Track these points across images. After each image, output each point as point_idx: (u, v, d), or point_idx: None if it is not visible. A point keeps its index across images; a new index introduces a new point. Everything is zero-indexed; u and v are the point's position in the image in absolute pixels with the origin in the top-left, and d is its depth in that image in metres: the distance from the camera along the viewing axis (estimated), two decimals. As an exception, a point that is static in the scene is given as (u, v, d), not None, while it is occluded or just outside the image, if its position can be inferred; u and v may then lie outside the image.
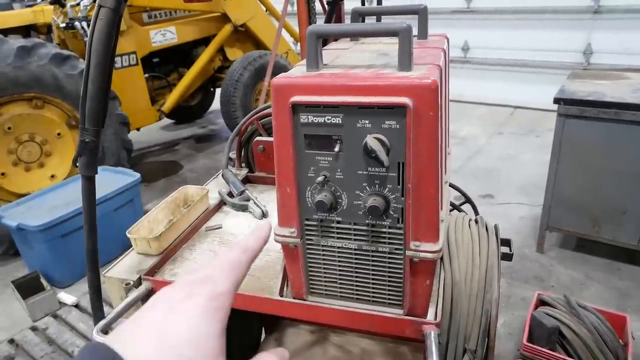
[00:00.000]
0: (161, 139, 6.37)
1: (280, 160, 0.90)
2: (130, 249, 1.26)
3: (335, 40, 1.27)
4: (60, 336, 2.93)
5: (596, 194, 3.04)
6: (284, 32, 5.39)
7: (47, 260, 3.30)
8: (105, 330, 0.99)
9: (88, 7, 4.21)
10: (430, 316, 0.97)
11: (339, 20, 2.40)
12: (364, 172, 0.85)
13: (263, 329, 1.92)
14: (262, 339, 1.90)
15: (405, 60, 0.82)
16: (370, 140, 0.80)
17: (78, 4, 4.14)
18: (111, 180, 3.70)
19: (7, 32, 3.60)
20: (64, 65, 3.63)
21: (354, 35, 1.16)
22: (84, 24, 4.04)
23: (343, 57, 1.00)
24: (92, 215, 1.01)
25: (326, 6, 2.08)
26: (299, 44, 6.45)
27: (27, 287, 3.16)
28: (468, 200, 1.71)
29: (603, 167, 2.94)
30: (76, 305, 3.19)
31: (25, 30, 3.92)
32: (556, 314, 2.23)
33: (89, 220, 1.01)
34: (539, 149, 5.14)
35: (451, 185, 1.57)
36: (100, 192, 3.47)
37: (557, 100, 2.95)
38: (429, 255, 0.87)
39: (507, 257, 1.17)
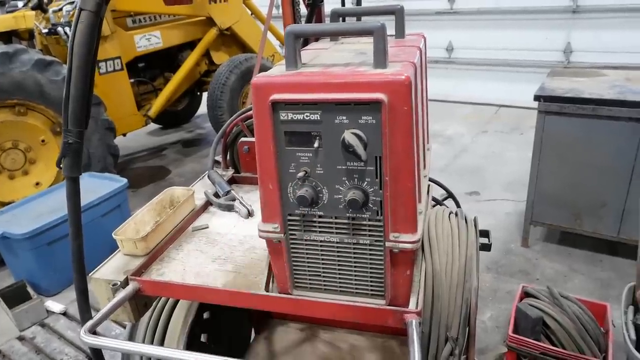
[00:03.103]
0: (148, 144, 6.34)
1: (261, 158, 0.93)
2: (117, 251, 1.27)
3: (316, 40, 1.30)
4: (48, 345, 2.90)
5: (577, 188, 3.11)
6: (270, 35, 5.41)
7: (34, 269, 3.27)
8: (92, 331, 1.00)
9: (70, 13, 4.18)
10: (411, 306, 1.00)
11: (320, 21, 2.43)
12: (343, 167, 0.88)
13: (253, 328, 1.94)
14: (251, 339, 1.92)
15: (380, 58, 0.85)
16: (348, 136, 0.83)
17: (60, 10, 4.12)
18: (98, 186, 3.68)
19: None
20: (47, 71, 3.61)
21: (331, 35, 1.19)
22: (67, 29, 4.02)
23: (322, 56, 1.03)
24: (77, 216, 1.02)
25: (306, 6, 2.12)
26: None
27: (14, 297, 3.12)
28: (450, 195, 1.75)
29: (583, 161, 3.02)
30: (64, 313, 3.16)
31: (7, 36, 3.88)
32: (540, 305, 2.27)
33: (74, 222, 1.02)
34: (523, 146, 5.22)
35: (433, 181, 1.61)
36: (87, 198, 3.46)
37: (537, 98, 3.02)
38: (408, 246, 0.91)
39: (485, 247, 1.20)
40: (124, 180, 3.66)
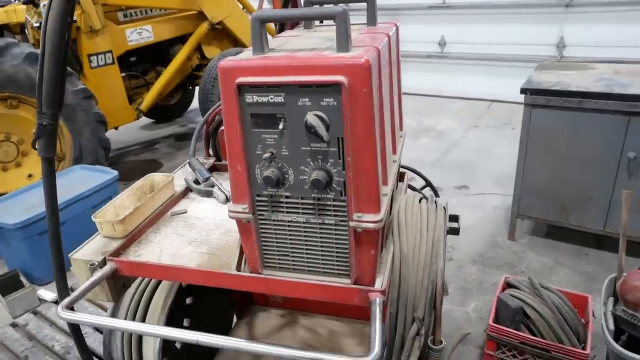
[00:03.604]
0: (141, 138, 6.36)
1: (230, 140, 0.95)
2: (97, 233, 1.30)
3: (292, 28, 1.32)
4: (40, 331, 2.94)
5: (563, 181, 3.13)
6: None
7: (26, 258, 3.30)
8: (70, 307, 1.03)
9: (62, 6, 4.19)
10: (377, 285, 1.03)
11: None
12: (307, 148, 0.91)
13: (235, 314, 1.97)
14: (233, 324, 1.96)
15: (343, 42, 0.88)
16: (310, 117, 0.86)
17: (52, 3, 4.12)
18: (89, 178, 3.70)
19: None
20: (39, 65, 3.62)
21: (294, 19, 1.22)
22: (59, 22, 4.02)
23: (291, 42, 1.06)
24: (52, 195, 1.05)
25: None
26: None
27: (6, 285, 3.15)
28: (428, 184, 1.78)
29: (569, 155, 3.04)
30: (56, 302, 3.19)
31: (-1, 30, 3.91)
32: (520, 295, 2.30)
33: (50, 200, 1.05)
34: (514, 141, 5.20)
35: (411, 170, 1.64)
36: (78, 189, 3.49)
37: (523, 91, 3.04)
38: (371, 225, 0.94)
39: (454, 231, 1.24)
40: (115, 173, 3.69)
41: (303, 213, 0.98)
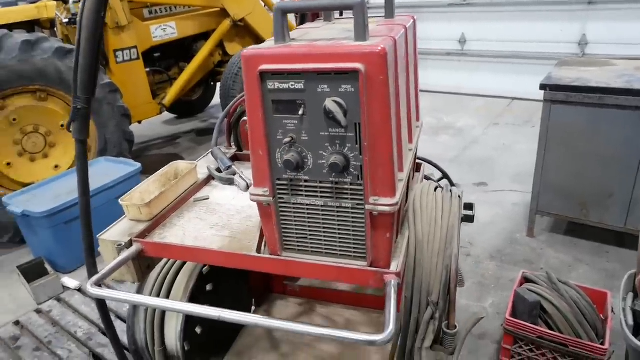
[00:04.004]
0: (163, 133, 6.49)
1: (252, 126, 1.00)
2: (123, 217, 1.37)
3: (312, 20, 1.36)
4: (63, 318, 3.04)
5: (583, 178, 3.11)
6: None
7: (52, 246, 3.42)
8: (98, 284, 1.09)
9: (89, 3, 4.32)
10: (392, 268, 1.06)
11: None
12: (326, 133, 0.95)
13: (253, 301, 2.02)
14: (252, 311, 2.01)
15: (360, 32, 0.91)
16: (329, 103, 0.90)
17: (80, 0, 4.25)
18: (113, 170, 3.81)
19: (12, 27, 3.72)
20: (67, 59, 3.75)
21: (314, 10, 1.26)
22: (86, 19, 4.15)
23: (311, 33, 1.10)
24: (84, 176, 1.12)
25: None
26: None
27: (32, 273, 3.27)
28: (445, 175, 1.80)
29: (589, 151, 3.02)
30: (79, 290, 3.30)
31: (30, 26, 4.04)
32: (538, 290, 2.30)
33: (82, 180, 1.12)
34: (534, 138, 5.13)
35: (428, 162, 1.67)
36: (102, 180, 3.60)
37: (543, 87, 3.02)
38: (387, 209, 0.97)
39: (469, 219, 1.26)
40: (138, 165, 3.78)
41: (321, 196, 1.02)
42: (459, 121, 6.03)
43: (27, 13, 3.95)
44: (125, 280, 1.25)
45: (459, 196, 1.27)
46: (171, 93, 5.06)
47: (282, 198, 1.05)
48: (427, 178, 1.78)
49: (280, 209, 1.07)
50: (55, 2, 4.13)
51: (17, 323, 3.00)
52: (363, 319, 1.88)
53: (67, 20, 4.18)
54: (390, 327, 0.89)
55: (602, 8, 5.65)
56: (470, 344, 2.63)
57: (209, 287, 1.80)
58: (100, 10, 0.99)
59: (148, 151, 5.89)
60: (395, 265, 1.06)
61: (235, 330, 1.85)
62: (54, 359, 2.69)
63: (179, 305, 1.09)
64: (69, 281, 3.34)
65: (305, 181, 1.02)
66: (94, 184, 3.55)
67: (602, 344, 2.14)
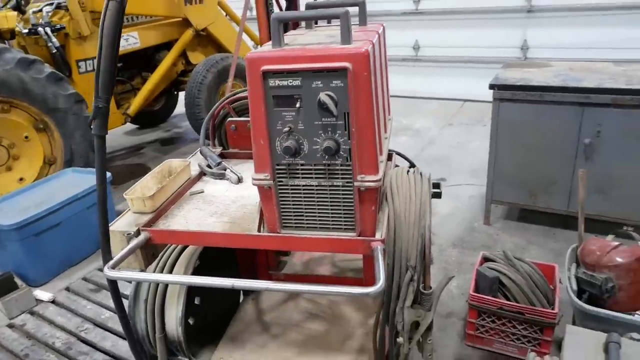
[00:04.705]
0: (126, 144, 6.45)
1: (255, 118, 1.16)
2: (127, 210, 1.48)
3: (294, 28, 1.54)
4: (39, 330, 3.00)
5: (530, 168, 3.43)
6: (245, 36, 5.62)
7: (21, 260, 3.36)
8: (114, 266, 1.21)
9: (50, 13, 4.31)
10: (377, 236, 1.25)
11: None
12: (319, 122, 1.13)
13: (242, 291, 2.16)
14: (241, 300, 2.14)
15: (346, 36, 1.10)
16: (323, 96, 1.08)
17: (40, 10, 4.23)
18: (82, 180, 3.81)
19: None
20: (30, 70, 3.73)
21: (307, 19, 1.44)
22: (48, 29, 4.14)
23: (300, 39, 1.28)
24: (102, 169, 1.24)
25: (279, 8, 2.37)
26: (259, 46, 6.69)
27: (1, 288, 3.20)
28: (412, 165, 2.02)
29: (533, 144, 3.34)
30: (52, 301, 3.27)
31: (-13, 37, 3.99)
32: (496, 267, 2.57)
33: (100, 173, 1.24)
34: (486, 136, 5.48)
35: (397, 153, 1.87)
36: (72, 191, 3.60)
37: (492, 87, 3.34)
38: (372, 184, 1.16)
39: (437, 195, 1.47)
40: (107, 174, 3.80)
41: (316, 177, 1.19)
42: (416, 123, 6.36)
43: (-14, 24, 3.91)
44: (133, 268, 1.37)
45: (428, 178, 1.48)
46: (135, 103, 5.08)
47: (281, 181, 1.22)
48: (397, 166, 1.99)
49: (279, 191, 1.23)
50: (15, 13, 4.09)
51: (-12, 340, 2.96)
52: (344, 298, 2.05)
53: (26, 30, 4.16)
54: (381, 280, 1.07)
55: (540, 16, 6.16)
56: (439, 322, 2.86)
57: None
58: (119, 21, 1.13)
59: (112, 162, 5.84)
60: (380, 234, 1.25)
61: (227, 319, 1.98)
62: (34, 371, 2.68)
63: (194, 279, 1.23)
64: (42, 294, 3.31)
65: (302, 165, 1.19)
66: (64, 195, 3.57)
67: (553, 309, 2.42)
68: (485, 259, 2.74)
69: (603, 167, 3.16)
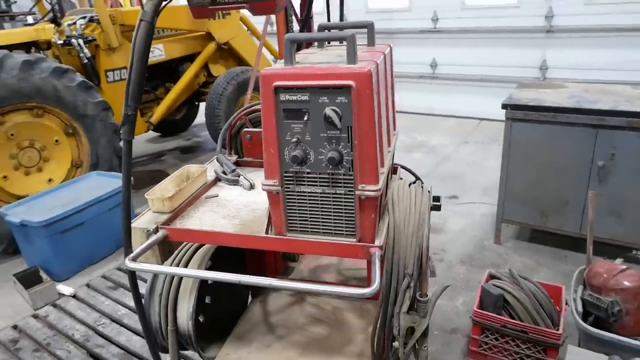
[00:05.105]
0: (148, 151, 6.68)
1: (266, 129, 1.27)
2: (147, 209, 1.60)
3: (307, 47, 1.65)
4: (60, 322, 3.18)
5: (542, 188, 3.46)
6: (265, 50, 5.81)
7: (48, 255, 3.56)
8: (134, 259, 1.32)
9: (83, 26, 4.55)
10: (376, 243, 1.33)
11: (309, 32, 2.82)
12: (325, 134, 1.23)
13: (250, 293, 2.25)
14: (249, 301, 2.23)
15: (351, 57, 1.20)
16: (328, 111, 1.18)
17: (74, 23, 4.48)
18: (105, 184, 4.00)
19: (11, 48, 3.92)
20: (63, 78, 3.95)
21: (316, 41, 1.55)
22: (80, 41, 4.38)
23: (311, 57, 1.39)
24: (128, 171, 1.36)
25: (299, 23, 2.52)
26: (278, 61, 6.88)
27: (27, 280, 3.40)
28: (417, 178, 2.09)
29: (545, 164, 3.37)
30: (74, 296, 3.44)
31: (27, 46, 4.24)
32: (501, 284, 2.60)
33: (126, 175, 1.36)
34: (501, 155, 5.60)
35: (402, 167, 1.96)
36: (95, 194, 3.78)
37: (504, 106, 3.39)
38: (372, 193, 1.25)
39: (436, 207, 1.54)
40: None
41: (320, 185, 1.29)
42: (432, 140, 6.43)
43: (27, 35, 4.17)
44: (150, 262, 1.47)
45: (429, 191, 1.56)
46: (158, 112, 5.28)
47: (289, 187, 1.32)
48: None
49: (287, 197, 1.33)
50: (52, 25, 4.35)
51: (15, 327, 3.13)
52: (348, 306, 2.12)
53: (61, 42, 4.40)
54: (376, 283, 1.16)
55: (559, 36, 6.20)
56: (443, 338, 2.90)
57: (210, 281, 2.03)
58: (148, 39, 1.27)
59: (134, 168, 6.02)
60: (379, 241, 1.33)
61: (235, 318, 2.07)
62: (53, 360, 2.83)
63: (206, 273, 1.33)
64: (64, 288, 3.49)
65: (308, 173, 1.29)
66: (88, 196, 3.75)
67: (557, 330, 2.44)
68: (491, 277, 2.78)
69: (617, 189, 3.15)
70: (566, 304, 2.64)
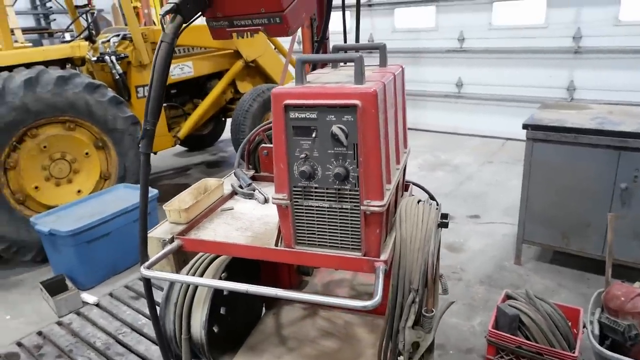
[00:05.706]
0: (175, 165, 6.87)
1: (276, 145, 1.33)
2: (164, 220, 1.67)
3: (322, 67, 1.72)
4: (83, 330, 3.29)
5: (563, 210, 3.40)
6: (291, 68, 5.95)
7: (74, 264, 3.69)
8: (149, 267, 1.39)
9: (116, 43, 4.78)
10: (382, 257, 1.36)
11: (325, 53, 2.89)
12: (332, 151, 1.28)
13: (264, 305, 2.29)
14: (263, 313, 2.28)
15: (359, 78, 1.26)
16: (335, 129, 1.23)
17: (108, 41, 4.72)
18: (131, 195, 4.14)
19: (48, 63, 4.15)
20: (95, 93, 4.15)
21: (326, 62, 1.61)
22: (113, 57, 4.60)
23: (322, 77, 1.45)
24: (146, 182, 1.44)
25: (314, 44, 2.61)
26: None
27: (54, 288, 3.53)
28: (430, 197, 2.11)
29: (568, 185, 3.33)
30: (97, 305, 3.55)
31: (62, 63, 4.47)
32: (517, 305, 2.57)
33: (144, 185, 1.44)
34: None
35: (414, 184, 1.99)
36: (122, 205, 3.92)
37: (525, 126, 3.38)
38: (377, 209, 1.28)
39: (444, 224, 1.56)
40: (155, 191, 4.11)
41: (327, 200, 1.34)
42: (455, 159, 6.40)
43: (63, 51, 4.40)
44: (165, 271, 1.54)
45: (437, 208, 1.58)
46: (185, 127, 5.45)
47: (297, 201, 1.37)
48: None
49: (295, 210, 1.38)
50: (87, 42, 4.58)
51: (39, 333, 3.25)
52: (360, 321, 2.14)
53: (95, 58, 4.63)
54: (378, 296, 1.18)
55: (587, 57, 6.12)
56: (459, 358, 2.87)
57: (225, 292, 2.08)
58: (168, 59, 1.36)
59: (160, 181, 6.23)
60: (384, 256, 1.36)
61: (248, 330, 2.11)
62: (75, 366, 2.92)
63: (216, 282, 1.39)
64: (88, 297, 3.60)
65: (315, 188, 1.33)
66: (115, 207, 3.89)
67: (573, 352, 2.38)
68: (508, 297, 2.74)
69: (640, 212, 3.10)
70: (584, 326, 2.59)
